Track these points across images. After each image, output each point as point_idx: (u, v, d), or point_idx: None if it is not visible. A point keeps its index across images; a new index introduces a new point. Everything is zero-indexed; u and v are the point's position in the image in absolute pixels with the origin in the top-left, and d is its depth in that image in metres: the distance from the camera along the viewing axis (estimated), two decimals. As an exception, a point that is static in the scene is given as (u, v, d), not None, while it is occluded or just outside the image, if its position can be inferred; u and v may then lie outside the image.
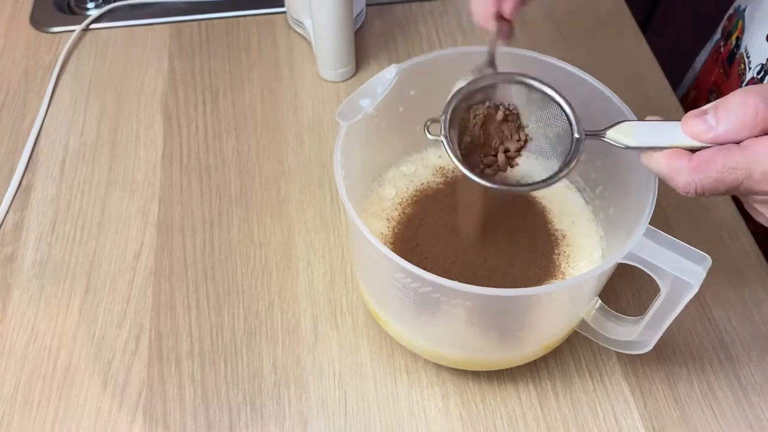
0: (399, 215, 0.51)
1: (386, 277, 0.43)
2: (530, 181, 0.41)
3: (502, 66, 0.44)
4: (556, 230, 0.51)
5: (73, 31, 0.74)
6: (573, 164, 0.39)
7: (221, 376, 0.51)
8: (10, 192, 0.61)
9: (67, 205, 0.60)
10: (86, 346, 0.52)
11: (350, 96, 0.45)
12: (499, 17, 0.44)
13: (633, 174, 0.45)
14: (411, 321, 0.46)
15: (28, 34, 0.74)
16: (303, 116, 0.67)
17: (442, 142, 0.40)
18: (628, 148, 0.38)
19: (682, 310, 0.40)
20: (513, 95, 0.42)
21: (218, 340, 0.52)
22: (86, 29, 0.75)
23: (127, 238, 0.58)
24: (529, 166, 0.44)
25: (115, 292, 0.55)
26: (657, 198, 0.41)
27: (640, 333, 0.44)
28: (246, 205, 0.60)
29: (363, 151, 0.48)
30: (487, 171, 0.43)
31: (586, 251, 0.50)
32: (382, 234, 0.50)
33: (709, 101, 0.36)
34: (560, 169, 0.40)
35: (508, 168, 0.44)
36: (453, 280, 0.38)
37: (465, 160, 0.41)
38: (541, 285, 0.46)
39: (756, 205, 0.37)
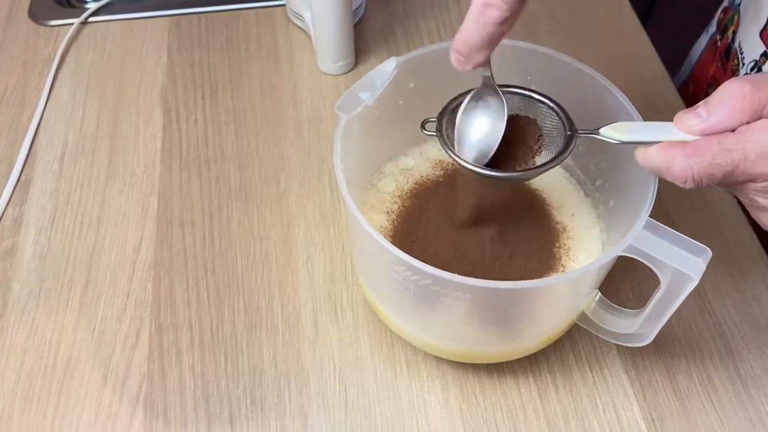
0: (398, 208, 0.51)
1: (386, 270, 0.43)
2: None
3: (503, 66, 0.44)
4: (557, 223, 0.51)
5: (72, 24, 0.73)
6: (566, 154, 0.41)
7: (221, 370, 0.51)
8: (10, 186, 0.61)
9: (67, 199, 0.60)
10: (86, 339, 0.52)
11: (350, 89, 0.45)
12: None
13: (633, 166, 0.44)
14: (411, 314, 0.46)
15: (26, 28, 0.74)
16: (302, 109, 0.67)
17: (435, 135, 0.42)
18: (623, 143, 0.39)
19: (682, 303, 0.40)
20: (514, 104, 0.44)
21: (218, 333, 0.52)
22: (85, 22, 0.75)
23: (127, 232, 0.58)
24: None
25: (115, 286, 0.55)
26: (657, 191, 0.41)
27: (640, 326, 0.44)
28: (246, 199, 0.60)
29: (362, 144, 0.48)
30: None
31: (587, 244, 0.50)
32: (381, 227, 0.50)
33: (707, 94, 0.36)
34: (552, 159, 0.41)
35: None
36: (453, 272, 0.38)
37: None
38: (541, 278, 0.46)
39: (758, 198, 0.37)
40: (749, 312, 0.54)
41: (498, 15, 0.36)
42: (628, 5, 0.76)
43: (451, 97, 0.44)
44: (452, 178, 0.53)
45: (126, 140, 0.64)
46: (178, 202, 0.60)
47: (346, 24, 0.66)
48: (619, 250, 0.39)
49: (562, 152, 0.41)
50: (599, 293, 0.46)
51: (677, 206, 0.59)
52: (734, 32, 0.65)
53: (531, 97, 0.43)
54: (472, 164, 0.41)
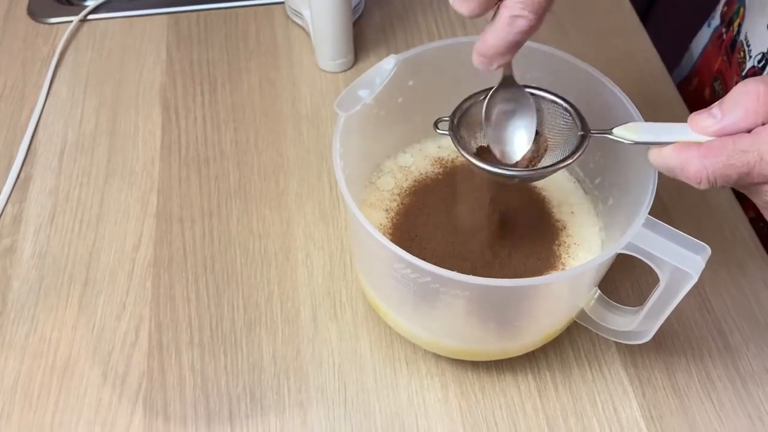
0: (398, 206, 0.51)
1: (385, 267, 0.43)
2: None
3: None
4: (556, 221, 0.51)
5: (71, 22, 0.73)
6: (579, 154, 0.41)
7: (221, 367, 0.51)
8: (9, 184, 0.61)
9: (66, 197, 0.60)
10: (86, 337, 0.52)
11: (349, 87, 0.45)
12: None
13: (632, 164, 0.45)
14: (410, 311, 0.46)
15: (25, 25, 0.74)
16: (301, 107, 0.67)
17: (449, 134, 0.43)
18: (636, 143, 0.38)
19: (681, 300, 0.40)
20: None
21: (218, 330, 0.52)
22: (84, 20, 0.74)
23: (126, 230, 0.58)
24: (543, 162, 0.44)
25: (114, 284, 0.55)
26: (656, 188, 0.41)
27: (639, 323, 0.44)
28: (245, 197, 0.60)
29: (361, 141, 0.48)
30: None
31: (586, 241, 0.50)
32: (381, 225, 0.50)
33: (713, 88, 0.36)
34: (563, 159, 0.41)
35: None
36: (452, 270, 0.38)
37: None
38: (540, 275, 0.46)
39: None
40: (748, 309, 0.54)
41: (526, 25, 0.36)
42: (627, 3, 0.76)
43: (464, 97, 0.44)
44: (451, 175, 0.53)
45: (125, 138, 0.64)
46: (178, 199, 0.60)
47: (345, 21, 0.66)
48: (618, 247, 0.39)
49: (575, 152, 0.41)
50: (598, 291, 0.46)
51: (676, 204, 0.59)
52: (740, 25, 0.64)
53: (544, 97, 0.43)
54: (485, 163, 0.41)
